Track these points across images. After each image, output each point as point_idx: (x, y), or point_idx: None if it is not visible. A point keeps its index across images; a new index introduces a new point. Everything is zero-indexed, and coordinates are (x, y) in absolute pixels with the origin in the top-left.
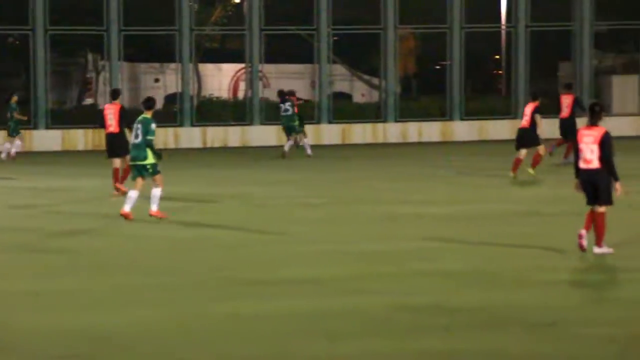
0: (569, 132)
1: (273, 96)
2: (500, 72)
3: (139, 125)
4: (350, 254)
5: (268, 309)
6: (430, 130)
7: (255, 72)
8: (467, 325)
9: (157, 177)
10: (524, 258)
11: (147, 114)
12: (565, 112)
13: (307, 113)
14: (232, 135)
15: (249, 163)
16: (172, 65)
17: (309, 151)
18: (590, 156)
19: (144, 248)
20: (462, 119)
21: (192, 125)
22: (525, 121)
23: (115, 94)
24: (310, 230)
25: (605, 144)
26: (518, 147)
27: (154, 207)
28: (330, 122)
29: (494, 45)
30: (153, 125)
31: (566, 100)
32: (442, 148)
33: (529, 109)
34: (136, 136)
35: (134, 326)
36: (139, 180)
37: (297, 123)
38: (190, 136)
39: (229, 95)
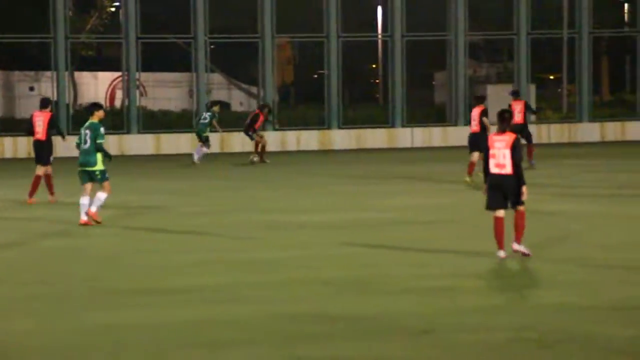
0: (525, 137)
1: (150, 104)
2: (377, 81)
3: (87, 131)
4: (231, 262)
5: (147, 319)
6: (308, 139)
7: (132, 81)
8: (347, 333)
9: (105, 183)
10: (402, 265)
11: (94, 119)
12: (518, 117)
13: (185, 122)
14: (109, 144)
15: (126, 171)
16: (48, 74)
17: (196, 158)
18: (503, 161)
19: (12, 258)
20: (340, 128)
21: (68, 133)
22: (475, 125)
23: (45, 103)
24: (190, 239)
25: (516, 149)
26: (471, 151)
27: (93, 208)
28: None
29: (371, 54)
30: (102, 129)
31: (517, 107)
32: (320, 156)
33: (475, 113)
34: (85, 142)
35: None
36: (88, 186)
37: (207, 134)
38: (66, 144)
39: (105, 103)
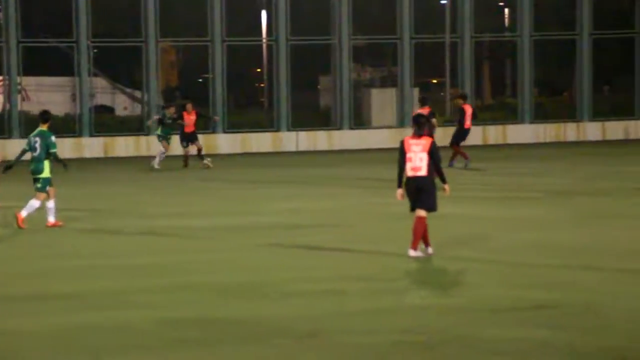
0: (457, 140)
1: (33, 109)
2: (262, 85)
3: (37, 139)
4: (115, 268)
5: (30, 325)
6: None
7: (13, 85)
8: (233, 338)
9: (50, 190)
10: (288, 269)
11: (44, 127)
12: (467, 122)
13: (69, 126)
14: None
15: (7, 177)
16: None
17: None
18: (419, 164)
19: None
20: (225, 132)
21: None
22: None
23: None
24: (74, 244)
25: (434, 152)
26: None
27: (51, 219)
28: (91, 135)
29: (256, 58)
30: (53, 138)
31: (468, 111)
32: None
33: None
34: (34, 149)
35: None
36: (51, 190)
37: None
38: None
39: None
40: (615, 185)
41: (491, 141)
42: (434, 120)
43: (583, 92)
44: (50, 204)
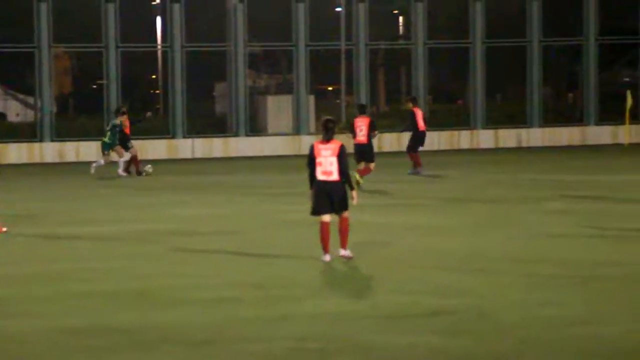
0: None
1: None
2: (157, 91)
3: None
4: (3, 276)
5: None
6: (88, 150)
7: None
8: (126, 346)
9: None
10: (182, 276)
11: None
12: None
13: None
14: None
15: None
16: None
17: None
18: (330, 168)
19: None
20: None
21: None
22: (362, 136)
23: None
24: None
25: (342, 157)
26: (359, 161)
27: None
28: None
29: (151, 65)
30: None
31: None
32: (101, 168)
33: (363, 123)
34: None
35: None
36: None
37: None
38: None
39: None
40: (509, 192)
41: (386, 148)
42: (375, 132)
43: (476, 100)
44: None
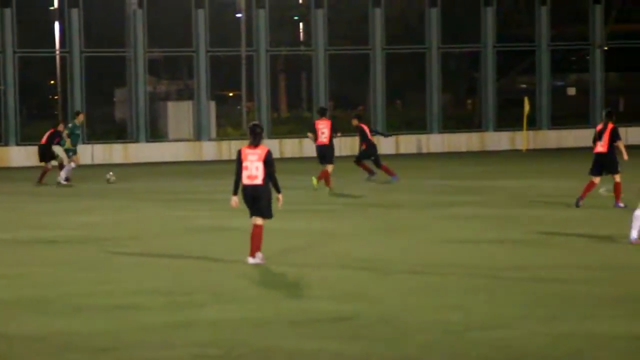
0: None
1: None
2: (56, 97)
3: None
4: None
5: None
6: None
7: None
8: (24, 354)
9: None
10: (82, 284)
11: None
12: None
13: None
14: None
15: None
16: None
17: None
18: (255, 173)
19: None
20: (18, 144)
21: None
22: (324, 138)
23: None
24: None
25: (269, 162)
26: (322, 163)
27: None
28: None
29: (50, 70)
30: None
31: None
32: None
33: (325, 126)
34: None
35: None
36: None
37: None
38: None
39: None
40: (411, 198)
41: (288, 154)
42: (337, 134)
43: (377, 106)
44: None
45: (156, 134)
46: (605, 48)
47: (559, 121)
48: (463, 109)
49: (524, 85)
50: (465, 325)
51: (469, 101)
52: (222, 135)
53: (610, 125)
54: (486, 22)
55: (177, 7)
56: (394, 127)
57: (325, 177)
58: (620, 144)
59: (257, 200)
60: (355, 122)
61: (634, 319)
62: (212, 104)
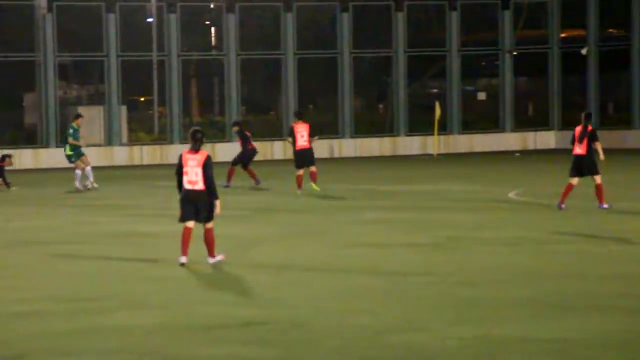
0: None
1: None
2: None
3: None
4: None
5: None
6: None
7: None
8: None
9: None
10: None
11: None
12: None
13: None
14: None
15: None
16: None
17: (79, 183)
18: (195, 178)
19: None
20: None
21: None
22: (304, 142)
23: None
24: None
25: (207, 168)
26: (301, 166)
27: None
28: None
29: None
30: None
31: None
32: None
33: (304, 129)
34: None
35: None
36: None
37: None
38: None
39: None
40: (323, 202)
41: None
42: (315, 138)
43: (289, 110)
44: None
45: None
46: (515, 53)
47: (469, 125)
48: (375, 114)
49: (435, 90)
50: (376, 328)
51: (381, 106)
52: (133, 140)
53: (589, 127)
54: (397, 28)
55: (87, 11)
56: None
57: (314, 178)
58: (599, 146)
59: (199, 205)
60: (235, 128)
61: (541, 320)
62: (124, 109)
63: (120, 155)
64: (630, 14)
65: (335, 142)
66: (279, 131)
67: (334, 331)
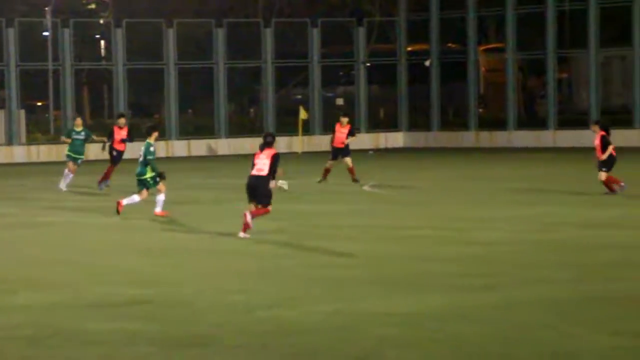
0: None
1: None
2: None
3: (142, 148)
4: None
5: None
6: None
7: None
8: None
9: (159, 186)
10: None
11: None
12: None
13: None
14: None
15: None
16: None
17: (64, 184)
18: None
19: None
20: None
21: None
22: (341, 141)
23: None
24: None
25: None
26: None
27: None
28: None
29: None
30: (151, 148)
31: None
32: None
33: (343, 129)
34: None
35: None
36: (144, 192)
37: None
38: None
39: None
40: (204, 195)
41: (92, 157)
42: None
43: (171, 114)
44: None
45: None
46: (368, 64)
47: (329, 127)
48: (246, 117)
49: (299, 96)
50: (250, 305)
51: (252, 110)
52: (31, 140)
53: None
54: (265, 42)
55: None
56: (186, 133)
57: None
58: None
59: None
60: (121, 121)
61: (390, 297)
62: (22, 113)
63: (19, 153)
64: (466, 31)
65: (212, 142)
66: (162, 132)
67: (214, 308)
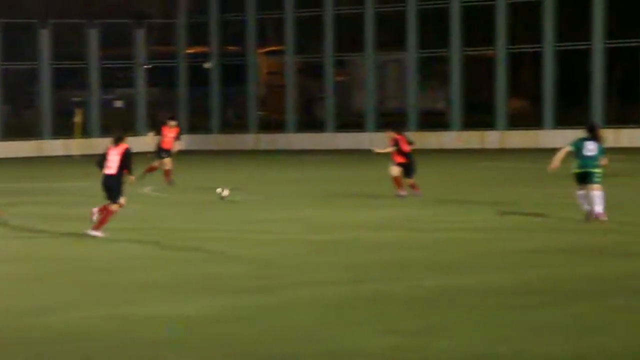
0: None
1: None
2: None
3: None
4: None
5: None
6: None
7: None
8: None
9: None
10: None
11: None
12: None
13: None
14: None
15: None
16: None
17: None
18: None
19: None
20: None
21: None
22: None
23: None
24: None
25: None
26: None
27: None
28: None
29: None
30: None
31: (170, 133)
32: None
33: (171, 132)
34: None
35: None
36: None
37: None
38: None
39: None
40: None
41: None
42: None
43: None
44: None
45: None
46: (148, 66)
47: (109, 130)
48: (22, 120)
49: (78, 98)
50: (20, 312)
51: (27, 112)
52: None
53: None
54: (42, 43)
55: None
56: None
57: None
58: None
59: None
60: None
61: (165, 301)
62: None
63: None
64: (246, 34)
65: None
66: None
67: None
